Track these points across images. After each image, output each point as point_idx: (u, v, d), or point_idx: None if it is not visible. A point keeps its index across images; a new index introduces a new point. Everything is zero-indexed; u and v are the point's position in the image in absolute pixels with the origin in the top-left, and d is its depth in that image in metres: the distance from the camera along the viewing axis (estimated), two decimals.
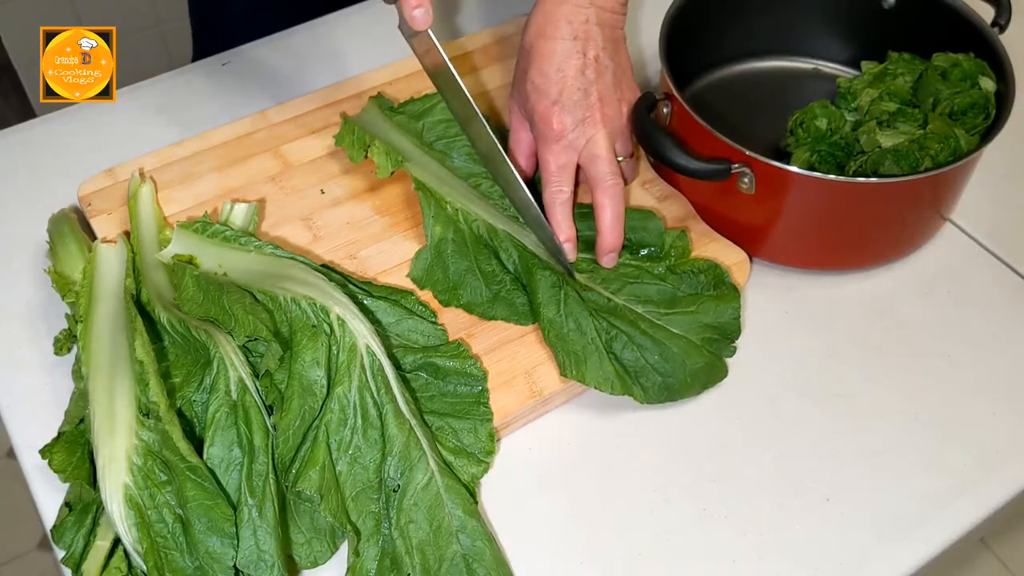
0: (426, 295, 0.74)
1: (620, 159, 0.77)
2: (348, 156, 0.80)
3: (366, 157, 0.80)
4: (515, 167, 0.76)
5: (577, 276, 0.73)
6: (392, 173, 0.78)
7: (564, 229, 0.74)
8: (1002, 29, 0.82)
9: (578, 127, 0.73)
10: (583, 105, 0.73)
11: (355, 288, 0.71)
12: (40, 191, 0.83)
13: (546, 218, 0.74)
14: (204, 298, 0.68)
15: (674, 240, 0.75)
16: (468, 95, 0.74)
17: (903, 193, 0.74)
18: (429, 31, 0.71)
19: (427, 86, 0.90)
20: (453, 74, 0.73)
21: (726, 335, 0.71)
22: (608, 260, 0.74)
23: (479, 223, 0.76)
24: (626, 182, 0.79)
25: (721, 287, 0.72)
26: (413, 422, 0.64)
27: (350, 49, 0.96)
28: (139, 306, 0.69)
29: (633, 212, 0.76)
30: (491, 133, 0.75)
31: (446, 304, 0.73)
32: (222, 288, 0.68)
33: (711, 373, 0.70)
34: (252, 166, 0.83)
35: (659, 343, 0.69)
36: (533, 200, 0.74)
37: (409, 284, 0.75)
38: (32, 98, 1.96)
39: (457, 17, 0.99)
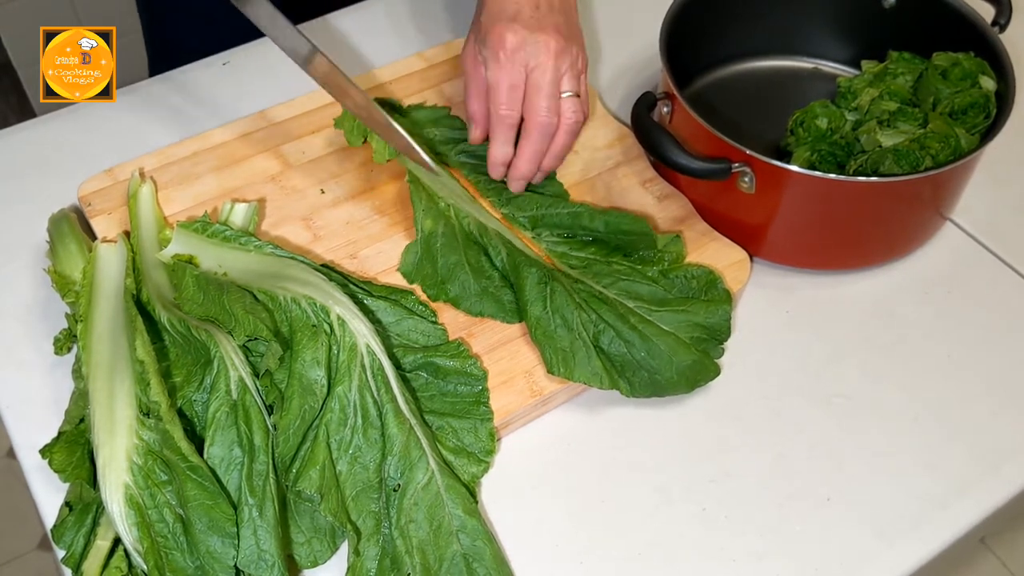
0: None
1: (566, 94, 0.75)
2: (347, 140, 0.81)
3: (364, 142, 0.80)
4: (471, 111, 0.78)
5: (569, 271, 0.73)
6: (388, 160, 0.79)
7: (502, 152, 0.75)
8: (1002, 28, 0.82)
9: (530, 47, 0.73)
10: (537, 28, 0.73)
11: (355, 288, 0.71)
12: (40, 191, 0.83)
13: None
14: (204, 298, 0.68)
15: (668, 244, 0.75)
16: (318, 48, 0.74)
17: (903, 192, 0.74)
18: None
19: (429, 86, 0.90)
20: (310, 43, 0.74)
21: (715, 336, 0.70)
22: (516, 186, 0.76)
23: (470, 220, 0.75)
24: (567, 123, 0.76)
25: (713, 292, 0.72)
26: (413, 422, 0.64)
27: (350, 48, 0.96)
28: (139, 306, 0.69)
29: (622, 216, 0.76)
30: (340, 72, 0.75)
31: (434, 299, 0.73)
32: (222, 288, 0.68)
33: (700, 371, 0.69)
34: (252, 166, 0.83)
35: (646, 339, 0.68)
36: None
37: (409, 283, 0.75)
38: (32, 98, 1.96)
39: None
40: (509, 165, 0.77)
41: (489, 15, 0.75)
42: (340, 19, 0.99)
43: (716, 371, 0.70)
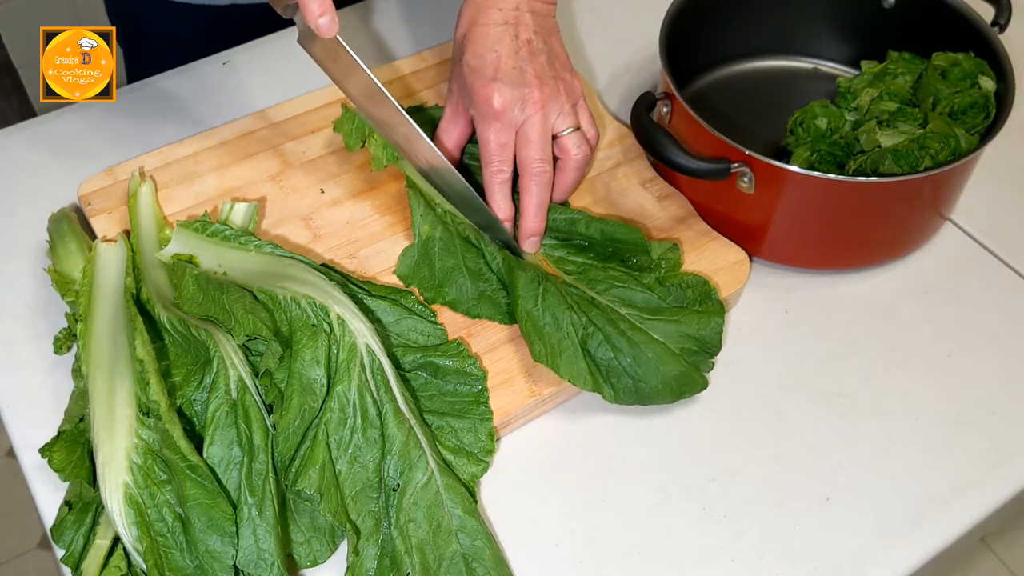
0: None
1: (566, 131, 0.75)
2: (345, 144, 0.81)
3: (363, 146, 0.80)
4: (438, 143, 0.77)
5: (564, 276, 0.73)
6: (386, 166, 0.79)
7: (503, 209, 0.75)
8: (1002, 29, 0.82)
9: (517, 105, 0.73)
10: (521, 83, 0.73)
11: (355, 287, 0.71)
12: (40, 191, 0.83)
13: (485, 200, 0.75)
14: (204, 297, 0.68)
15: (665, 252, 0.75)
16: (388, 94, 0.72)
17: (903, 192, 0.74)
18: (337, 36, 0.70)
19: (424, 87, 0.90)
20: (370, 77, 0.72)
21: (706, 348, 0.70)
22: (530, 244, 0.75)
23: (466, 224, 0.76)
24: (574, 159, 0.76)
25: (707, 303, 0.72)
26: (413, 421, 0.64)
27: (349, 49, 0.96)
28: (139, 305, 0.69)
29: (618, 226, 0.76)
30: (421, 133, 0.73)
31: (431, 301, 0.73)
32: (222, 287, 0.68)
33: (686, 383, 0.68)
34: (252, 165, 0.83)
35: (635, 345, 0.68)
36: (469, 185, 0.74)
37: None
38: (32, 98, 1.97)
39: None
40: (516, 224, 0.76)
41: (471, 70, 0.75)
42: (339, 19, 0.99)
43: (703, 384, 0.69)
